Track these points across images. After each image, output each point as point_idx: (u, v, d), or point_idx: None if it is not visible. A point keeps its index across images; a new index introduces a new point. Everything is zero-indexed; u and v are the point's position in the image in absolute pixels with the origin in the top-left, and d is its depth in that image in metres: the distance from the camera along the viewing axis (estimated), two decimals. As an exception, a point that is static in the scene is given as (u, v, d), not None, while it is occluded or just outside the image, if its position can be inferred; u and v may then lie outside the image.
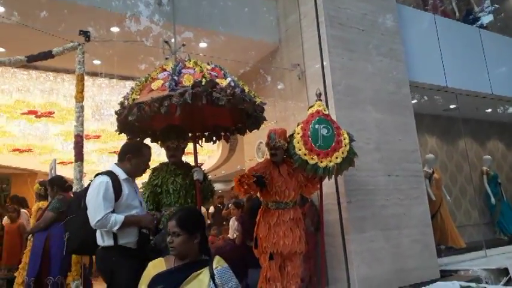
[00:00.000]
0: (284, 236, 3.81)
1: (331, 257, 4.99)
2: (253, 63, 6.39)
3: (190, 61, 3.47)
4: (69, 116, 7.95)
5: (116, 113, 3.40)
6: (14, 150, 10.76)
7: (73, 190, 3.85)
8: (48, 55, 3.94)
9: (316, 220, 5.11)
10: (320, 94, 4.32)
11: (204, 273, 2.11)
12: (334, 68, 5.14)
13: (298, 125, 4.15)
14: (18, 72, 6.45)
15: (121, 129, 3.56)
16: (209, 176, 3.81)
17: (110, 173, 2.84)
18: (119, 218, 2.69)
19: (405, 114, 5.71)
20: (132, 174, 2.97)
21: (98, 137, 10.14)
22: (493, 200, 8.55)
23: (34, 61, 3.90)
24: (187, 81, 3.14)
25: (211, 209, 10.29)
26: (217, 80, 3.27)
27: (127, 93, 3.43)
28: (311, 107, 4.28)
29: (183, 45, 4.38)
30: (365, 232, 4.88)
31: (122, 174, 2.89)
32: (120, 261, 2.69)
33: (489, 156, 9.06)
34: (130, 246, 2.78)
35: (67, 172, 13.96)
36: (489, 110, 9.07)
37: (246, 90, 3.50)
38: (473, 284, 4.20)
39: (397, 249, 5.07)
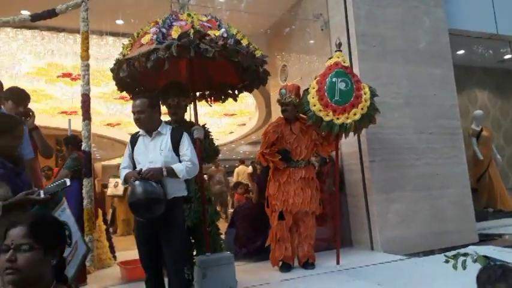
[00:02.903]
0: (294, 195, 3.64)
1: (354, 218, 4.78)
2: (276, 17, 6.01)
3: (184, 13, 3.25)
4: (103, 78, 8.09)
5: (111, 70, 3.30)
6: (62, 112, 11.28)
7: (82, 148, 3.88)
8: (52, 13, 3.89)
9: (339, 181, 4.88)
10: (340, 44, 3.92)
11: None
12: (358, 16, 4.67)
13: (314, 79, 3.84)
14: (47, 35, 6.56)
15: (119, 86, 3.47)
16: (211, 135, 3.66)
17: None
18: None
19: (443, 66, 5.12)
20: None
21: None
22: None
23: (38, 20, 3.87)
24: (175, 33, 2.93)
25: (250, 168, 10.32)
26: (210, 32, 3.03)
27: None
28: (330, 58, 3.92)
29: (190, -1, 4.14)
30: (390, 193, 4.56)
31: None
32: None
33: None
34: None
35: (115, 133, 14.63)
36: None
37: (245, 43, 3.24)
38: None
39: (428, 212, 4.72)
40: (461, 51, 6.52)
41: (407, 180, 4.66)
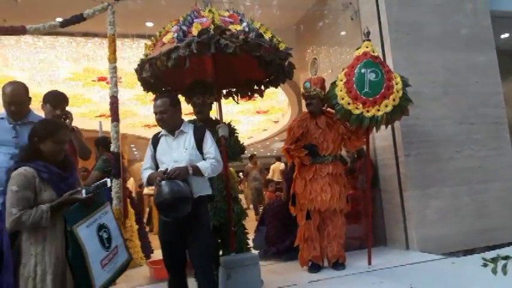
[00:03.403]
0: (321, 192, 3.51)
1: (389, 215, 4.58)
2: (305, 9, 5.87)
3: (205, 10, 3.20)
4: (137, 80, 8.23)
5: (135, 70, 3.31)
6: (100, 115, 11.64)
7: (111, 149, 3.93)
8: (80, 18, 3.96)
9: (372, 176, 4.69)
10: (368, 33, 3.73)
11: None
12: (390, 3, 4.45)
13: (342, 71, 3.69)
14: (82, 41, 6.76)
15: (144, 87, 3.48)
16: (237, 133, 3.60)
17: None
18: None
19: (485, 51, 4.79)
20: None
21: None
22: None
23: (67, 25, 3.95)
24: (195, 30, 2.89)
25: (283, 165, 10.22)
26: (231, 27, 2.97)
27: (147, 49, 3.31)
28: (358, 49, 3.75)
29: (215, -7, 4.08)
30: (427, 188, 4.32)
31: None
32: None
33: None
34: None
35: (153, 134, 15.08)
36: None
37: (268, 36, 3.15)
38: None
39: (470, 208, 4.43)
40: (505, 35, 6.08)
41: (446, 175, 4.39)
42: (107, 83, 8.86)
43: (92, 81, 8.74)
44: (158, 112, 2.75)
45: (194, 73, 3.73)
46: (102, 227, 2.22)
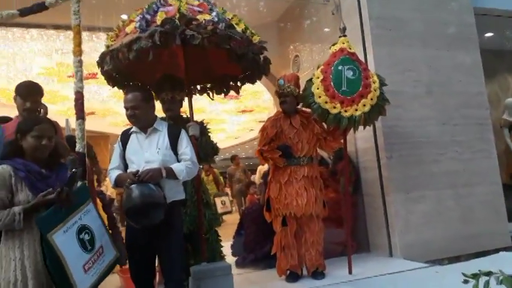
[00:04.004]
0: (297, 195, 3.30)
1: (371, 220, 4.40)
2: (287, 4, 5.66)
3: (175, -2, 2.96)
4: (115, 77, 7.94)
5: (97, 63, 3.06)
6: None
7: (76, 149, 3.66)
8: (42, 7, 3.64)
9: (354, 179, 4.51)
10: (344, 28, 3.57)
11: None
12: (372, -3, 4.27)
13: (317, 68, 3.49)
14: (54, 34, 6.44)
15: (108, 81, 3.23)
16: (210, 132, 3.37)
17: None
18: None
19: (468, 50, 4.64)
20: None
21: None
22: None
23: (28, 14, 3.62)
24: (160, 19, 2.65)
25: (266, 166, 9.99)
26: (199, 16, 2.74)
27: (109, 40, 3.06)
28: (333, 45, 3.55)
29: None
30: (410, 192, 4.15)
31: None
32: None
33: None
34: None
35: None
36: None
37: (241, 27, 2.93)
38: None
39: (454, 212, 4.27)
40: (489, 34, 5.97)
41: (430, 178, 4.23)
42: (84, 78, 8.57)
43: (68, 76, 8.37)
44: (129, 107, 2.55)
45: (165, 67, 3.50)
46: (83, 229, 2.09)
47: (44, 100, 3.14)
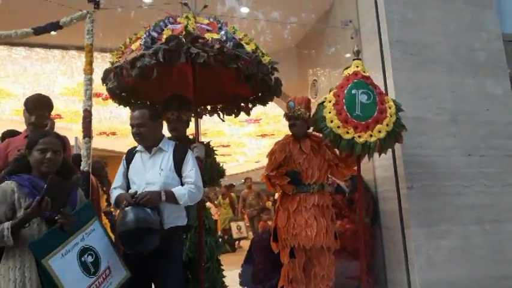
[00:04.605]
0: (306, 226, 3.07)
1: (390, 254, 4.10)
2: (306, 28, 5.59)
3: (183, 16, 2.89)
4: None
5: (102, 80, 2.99)
6: (101, 133, 11.41)
7: (81, 168, 3.57)
8: (56, 26, 3.68)
9: (372, 210, 4.25)
10: (358, 52, 3.44)
11: None
12: (391, 20, 4.10)
13: (330, 91, 3.33)
14: (76, 55, 6.56)
15: (114, 99, 3.16)
16: (216, 154, 3.22)
17: None
18: None
19: (497, 77, 4.37)
20: None
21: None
22: None
23: (42, 33, 3.67)
24: (166, 37, 2.57)
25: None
26: (207, 35, 2.63)
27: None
28: (347, 68, 3.40)
29: (205, 6, 3.78)
30: (432, 226, 3.85)
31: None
32: None
33: None
34: None
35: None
36: None
37: (251, 47, 2.81)
38: None
39: (482, 251, 3.91)
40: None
41: (454, 211, 3.91)
42: (103, 99, 8.67)
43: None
44: (135, 125, 2.46)
45: (175, 86, 3.41)
46: (86, 250, 1.98)
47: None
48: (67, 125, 9.46)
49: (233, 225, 8.80)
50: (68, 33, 4.06)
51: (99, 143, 12.12)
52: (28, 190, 1.93)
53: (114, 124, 10.67)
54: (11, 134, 3.57)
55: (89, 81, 3.71)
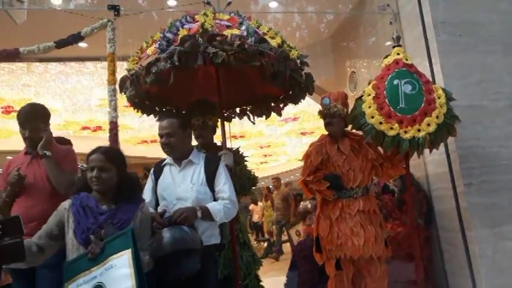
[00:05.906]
0: (352, 235, 2.75)
1: (450, 259, 3.71)
2: (341, 17, 5.25)
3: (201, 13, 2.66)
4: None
5: (120, 89, 2.83)
6: (143, 142, 11.54)
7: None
8: (77, 38, 3.65)
9: (425, 210, 3.86)
10: (398, 37, 3.06)
11: None
12: (436, 1, 3.69)
13: (369, 84, 2.99)
14: (105, 66, 6.57)
15: (134, 106, 2.99)
16: (246, 161, 2.98)
17: None
18: None
19: None
20: None
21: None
22: None
23: (64, 46, 3.65)
24: (180, 37, 2.35)
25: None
26: (226, 31, 2.39)
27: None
28: (386, 57, 3.04)
29: (229, 3, 3.55)
30: (497, 226, 3.39)
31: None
32: None
33: None
34: None
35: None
36: None
37: (277, 41, 2.54)
38: None
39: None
40: None
41: (522, 209, 3.44)
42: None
43: (124, 106, 8.59)
44: (164, 135, 2.30)
45: (201, 90, 3.21)
46: None
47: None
48: (110, 137, 9.62)
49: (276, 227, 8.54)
50: (97, 44, 4.01)
51: (141, 151, 12.29)
52: (74, 209, 1.90)
53: (154, 133, 10.75)
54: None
55: (113, 92, 3.65)
